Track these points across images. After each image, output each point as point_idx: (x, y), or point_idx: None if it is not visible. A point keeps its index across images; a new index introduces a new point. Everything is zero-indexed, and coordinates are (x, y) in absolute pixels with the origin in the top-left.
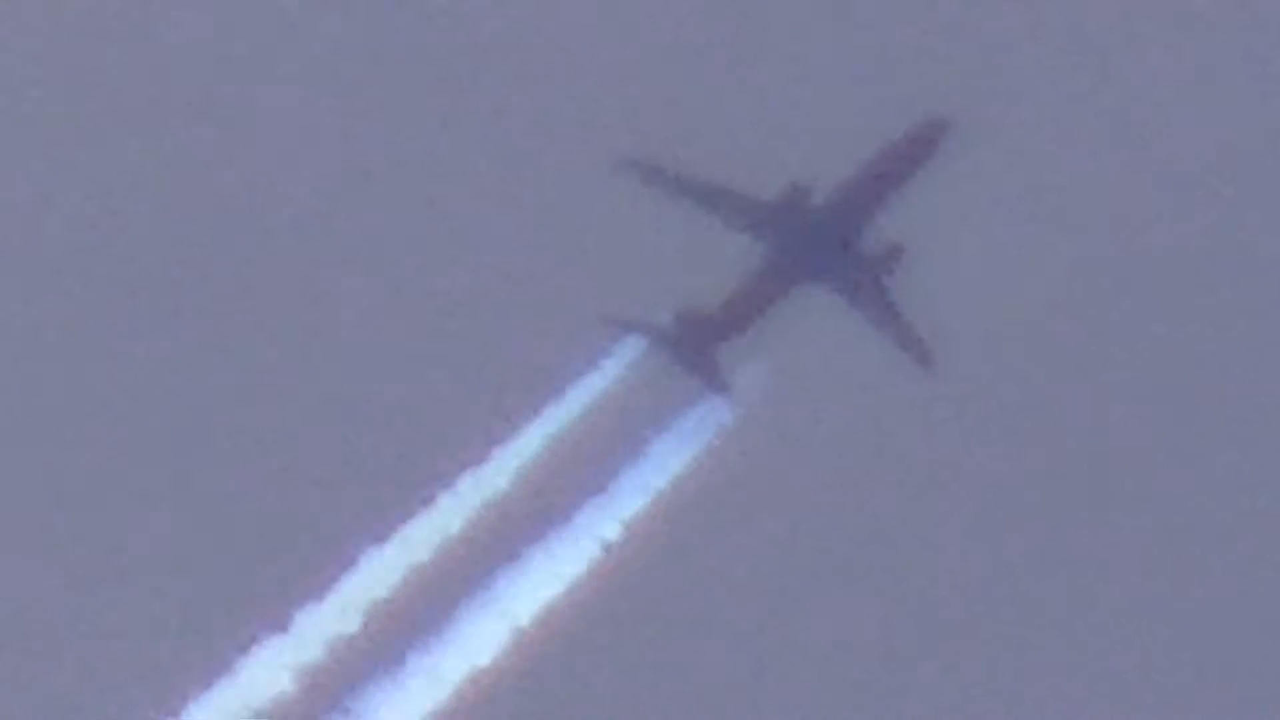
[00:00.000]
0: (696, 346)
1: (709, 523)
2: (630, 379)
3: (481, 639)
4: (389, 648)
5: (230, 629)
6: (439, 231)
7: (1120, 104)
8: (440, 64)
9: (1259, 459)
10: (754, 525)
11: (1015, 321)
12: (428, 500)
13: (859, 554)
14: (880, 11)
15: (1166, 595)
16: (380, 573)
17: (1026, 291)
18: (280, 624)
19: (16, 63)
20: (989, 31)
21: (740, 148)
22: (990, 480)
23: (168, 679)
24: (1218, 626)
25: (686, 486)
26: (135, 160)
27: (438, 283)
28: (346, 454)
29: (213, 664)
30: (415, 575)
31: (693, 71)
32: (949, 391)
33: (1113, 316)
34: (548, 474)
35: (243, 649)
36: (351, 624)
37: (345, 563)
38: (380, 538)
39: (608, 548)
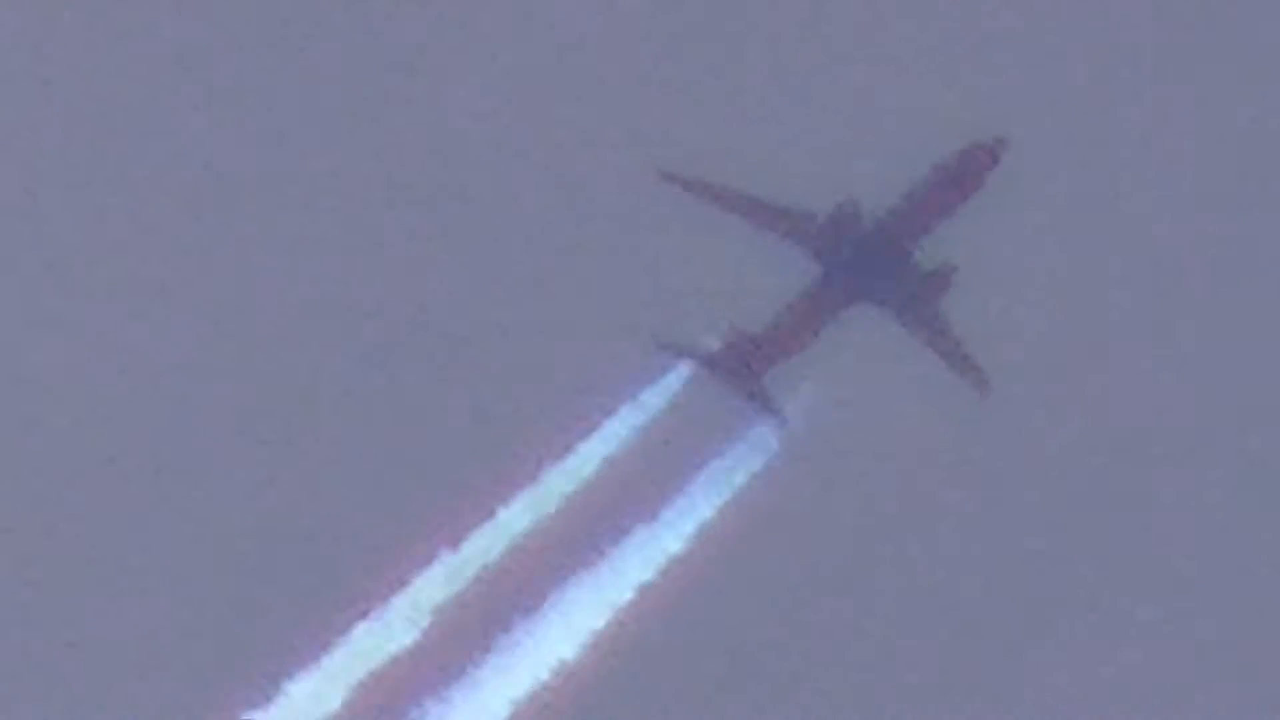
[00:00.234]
0: (745, 370)
1: (760, 549)
2: (678, 404)
3: (525, 669)
4: (432, 675)
5: (256, 664)
6: (481, 251)
7: (1177, 124)
8: (482, 77)
9: None
10: (805, 551)
11: (1070, 344)
12: (472, 527)
13: (912, 579)
14: (938, 28)
15: (1221, 624)
16: (422, 598)
17: (1082, 313)
18: (327, 645)
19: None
20: (1046, 51)
21: (792, 164)
22: (1045, 504)
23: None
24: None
25: (737, 513)
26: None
27: (480, 304)
28: (389, 480)
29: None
30: (459, 601)
31: (744, 85)
32: (1003, 414)
33: (1170, 340)
34: (594, 502)
35: (272, 679)
36: (394, 648)
37: (386, 589)
38: (423, 563)
39: (658, 575)
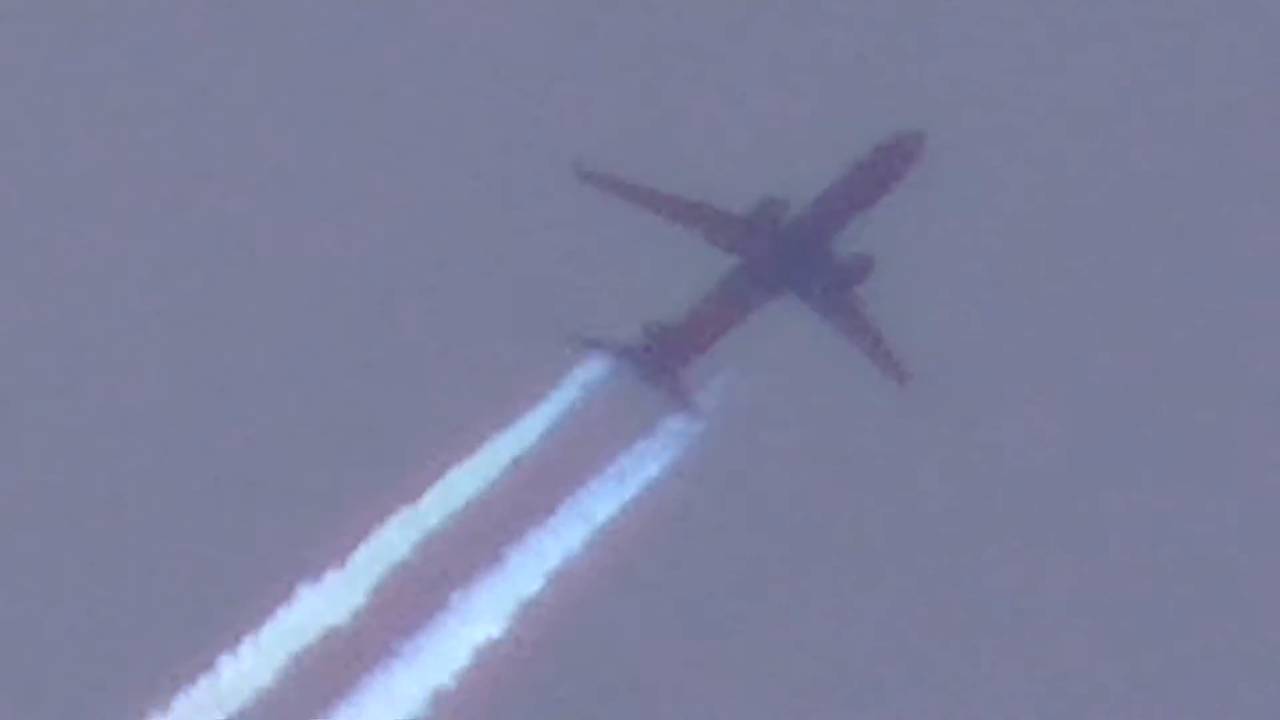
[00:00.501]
0: (663, 363)
1: (676, 538)
2: (596, 397)
3: (442, 658)
4: (345, 673)
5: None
6: (398, 246)
7: (1093, 116)
8: (401, 73)
9: (1233, 473)
10: (722, 541)
11: (988, 335)
12: (385, 519)
13: (828, 569)
14: (855, 26)
15: (1139, 603)
16: (339, 592)
17: (997, 303)
18: (231, 647)
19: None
20: (963, 46)
21: (711, 161)
22: (961, 492)
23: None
24: (1187, 640)
25: (653, 502)
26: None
27: (398, 300)
28: (305, 473)
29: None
30: (372, 596)
31: (664, 83)
32: (920, 404)
33: (1083, 328)
34: (509, 492)
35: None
36: (302, 647)
37: (303, 581)
38: (341, 555)
39: (573, 564)
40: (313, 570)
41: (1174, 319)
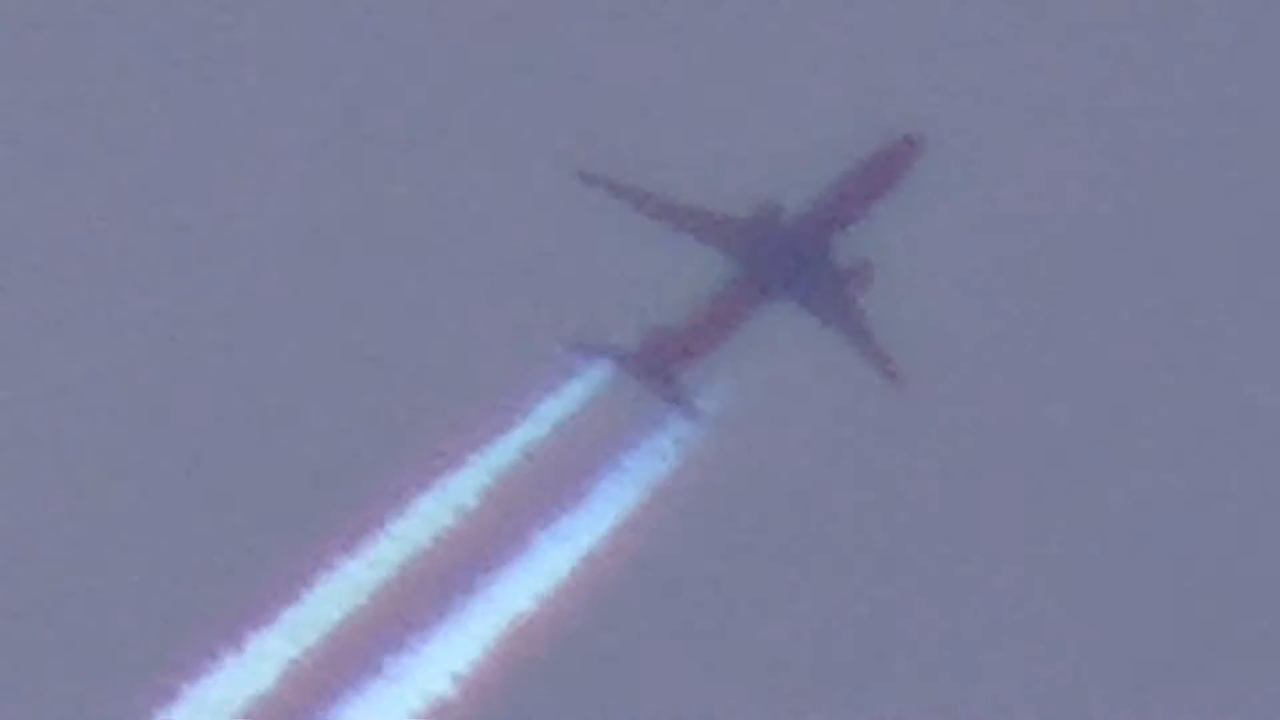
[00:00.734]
0: (662, 368)
1: (675, 546)
2: (595, 402)
3: (442, 665)
4: (347, 675)
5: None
6: (399, 249)
7: (1094, 122)
8: (398, 73)
9: (1232, 478)
10: (721, 547)
11: (985, 339)
12: (384, 525)
13: (828, 574)
14: (854, 28)
15: (1139, 609)
16: (337, 597)
17: (996, 309)
18: (236, 647)
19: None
20: (962, 49)
21: (709, 163)
22: (959, 498)
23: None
24: (1185, 650)
25: (652, 509)
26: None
27: (394, 303)
28: (301, 478)
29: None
30: (375, 598)
31: (661, 84)
32: (918, 409)
33: (1082, 334)
34: (508, 500)
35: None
36: (304, 649)
37: (296, 589)
38: (336, 560)
39: (572, 573)
40: (304, 577)
41: (1175, 323)
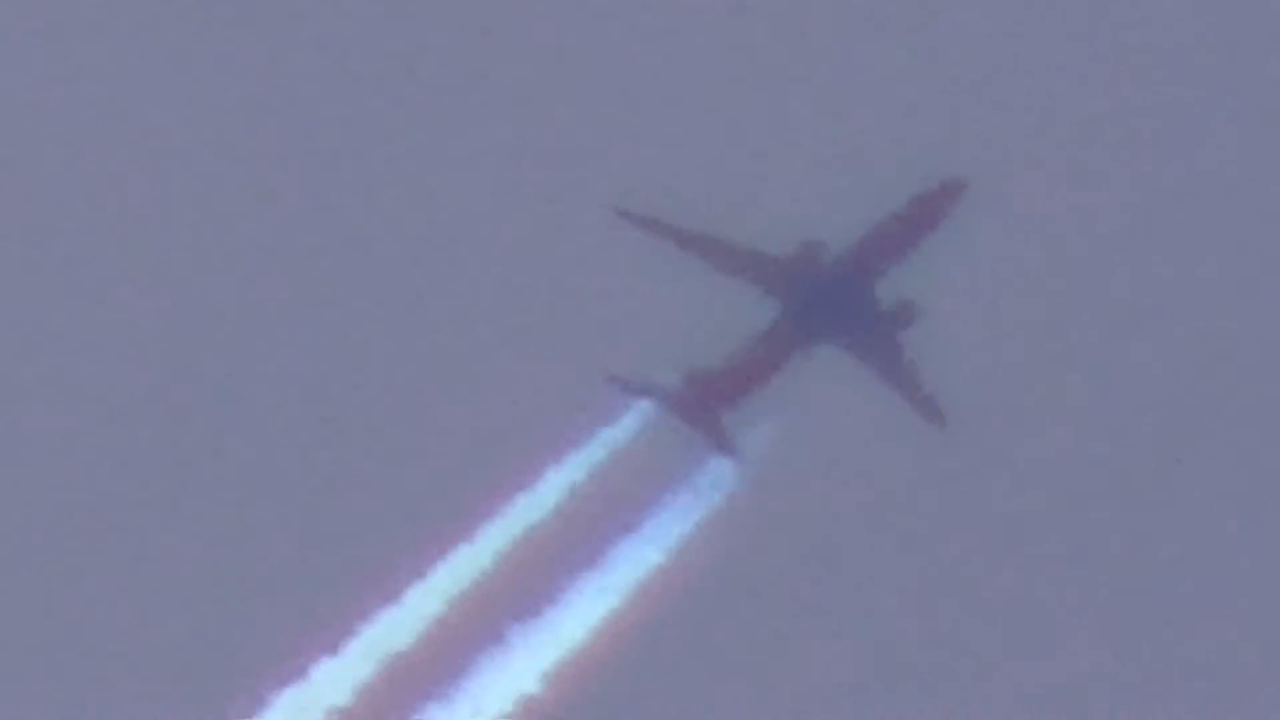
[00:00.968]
0: (704, 408)
1: (716, 587)
2: (636, 443)
3: (487, 701)
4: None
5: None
6: (440, 288)
7: (1139, 164)
8: (443, 114)
9: (1272, 527)
10: (762, 587)
11: (1028, 381)
12: (429, 566)
13: (869, 615)
14: (899, 70)
15: (1184, 660)
16: (373, 644)
17: (1040, 351)
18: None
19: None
20: (1006, 92)
21: (752, 204)
22: (1003, 540)
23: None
24: (1242, 691)
25: (692, 551)
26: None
27: (437, 342)
28: (342, 523)
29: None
30: (417, 642)
31: (703, 123)
32: (961, 451)
33: (1128, 376)
34: (550, 540)
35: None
36: (363, 680)
37: (339, 634)
38: (377, 606)
39: (613, 614)
40: (361, 612)
41: (1226, 367)
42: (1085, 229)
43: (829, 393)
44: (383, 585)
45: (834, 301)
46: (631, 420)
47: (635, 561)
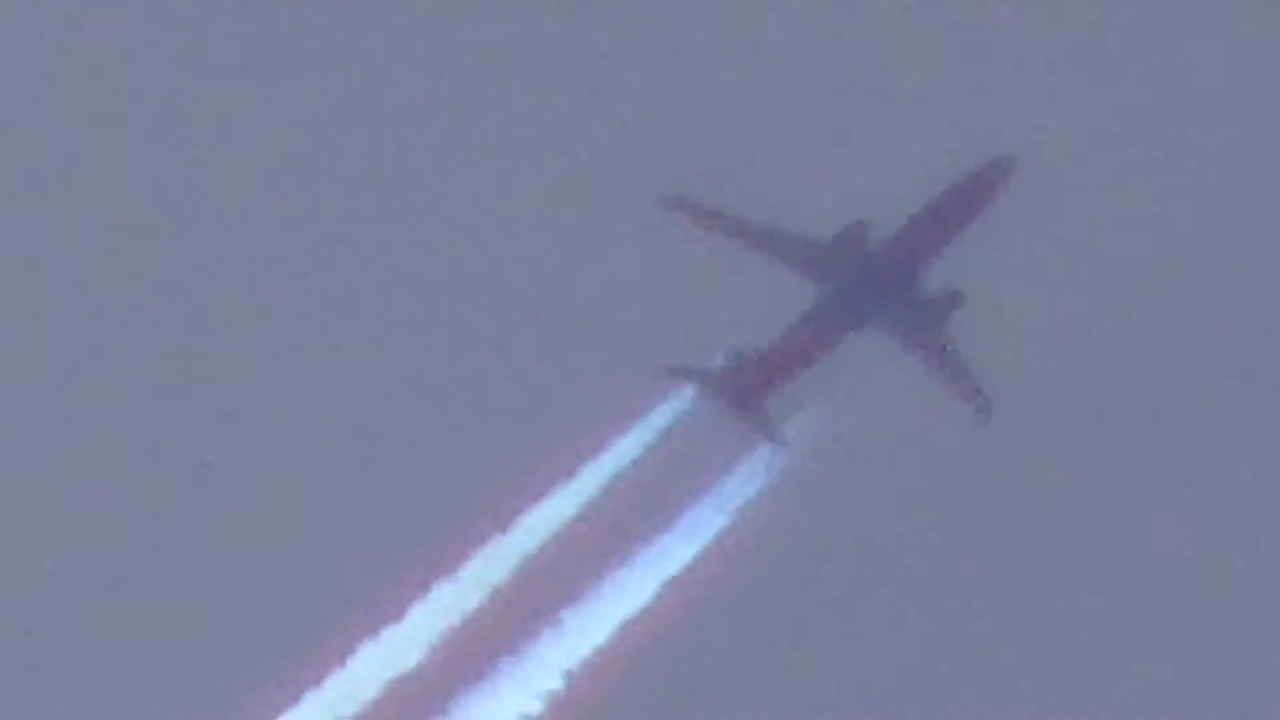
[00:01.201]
0: (747, 394)
1: (760, 572)
2: (681, 428)
3: (528, 689)
4: (440, 692)
5: (268, 686)
6: (484, 273)
7: (1186, 147)
8: (486, 100)
9: None
10: (805, 575)
11: (1075, 368)
12: (473, 551)
13: (912, 606)
14: (944, 52)
15: (1224, 651)
16: (420, 628)
17: (1088, 338)
18: (338, 665)
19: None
20: (1054, 73)
21: (796, 188)
22: (1046, 529)
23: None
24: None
25: (737, 536)
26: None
27: (481, 329)
28: (389, 507)
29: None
30: (457, 628)
31: (746, 108)
32: (1005, 441)
33: (1177, 367)
34: (597, 524)
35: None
36: (405, 665)
37: (385, 616)
38: (422, 589)
39: (657, 600)
40: (407, 595)
41: (1268, 360)
42: (1137, 212)
43: (873, 379)
44: (441, 561)
45: (878, 287)
46: (676, 406)
47: (678, 550)
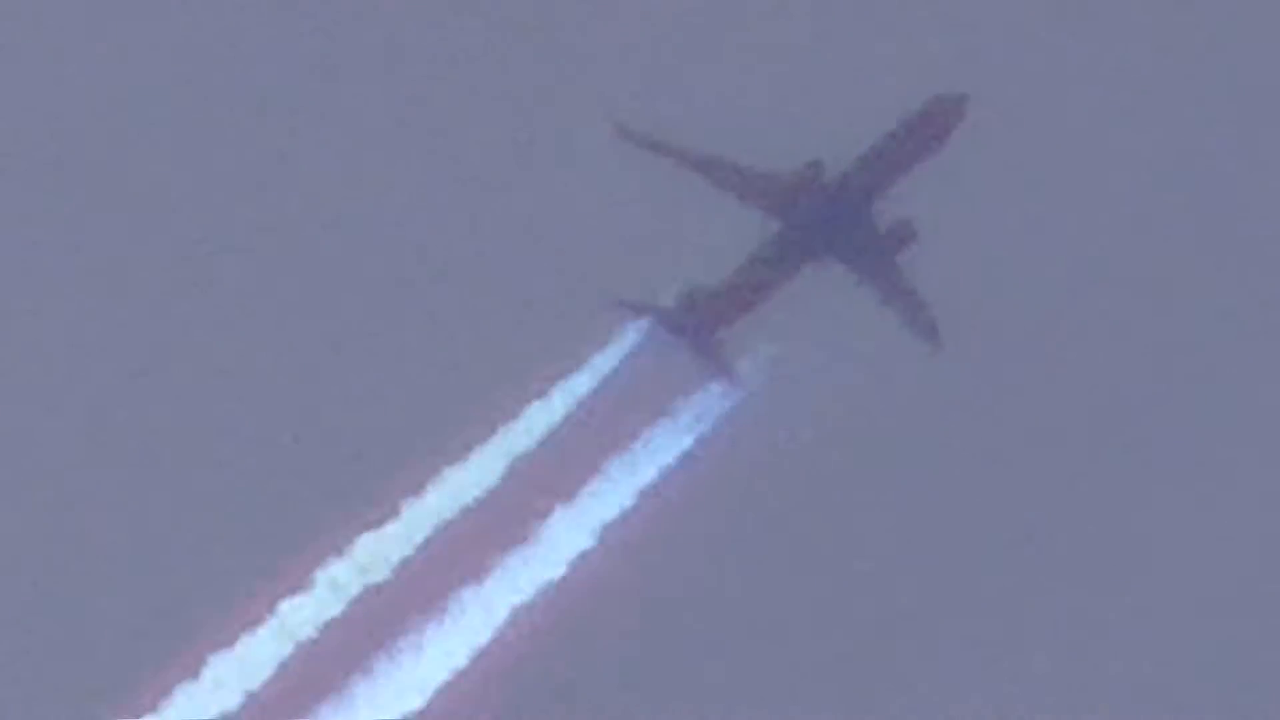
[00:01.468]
0: (701, 328)
1: (711, 507)
2: (634, 362)
3: (481, 618)
4: (383, 630)
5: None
6: (432, 208)
7: (1136, 84)
8: (437, 35)
9: (1264, 449)
10: (757, 509)
11: (1026, 300)
12: (425, 485)
13: (863, 538)
14: None
15: (1165, 583)
16: (378, 555)
17: (1039, 270)
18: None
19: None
20: (1006, 8)
21: (750, 122)
22: (1000, 460)
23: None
24: (1213, 615)
25: (690, 468)
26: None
27: (431, 263)
28: (344, 440)
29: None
30: (413, 559)
31: (702, 40)
32: (955, 370)
33: (1121, 298)
34: (549, 457)
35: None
36: (346, 602)
37: (340, 543)
38: (379, 520)
39: (605, 533)
40: (345, 536)
41: (1226, 285)
42: (1089, 146)
43: (827, 311)
44: (379, 504)
45: (832, 220)
46: (629, 338)
47: (632, 480)
